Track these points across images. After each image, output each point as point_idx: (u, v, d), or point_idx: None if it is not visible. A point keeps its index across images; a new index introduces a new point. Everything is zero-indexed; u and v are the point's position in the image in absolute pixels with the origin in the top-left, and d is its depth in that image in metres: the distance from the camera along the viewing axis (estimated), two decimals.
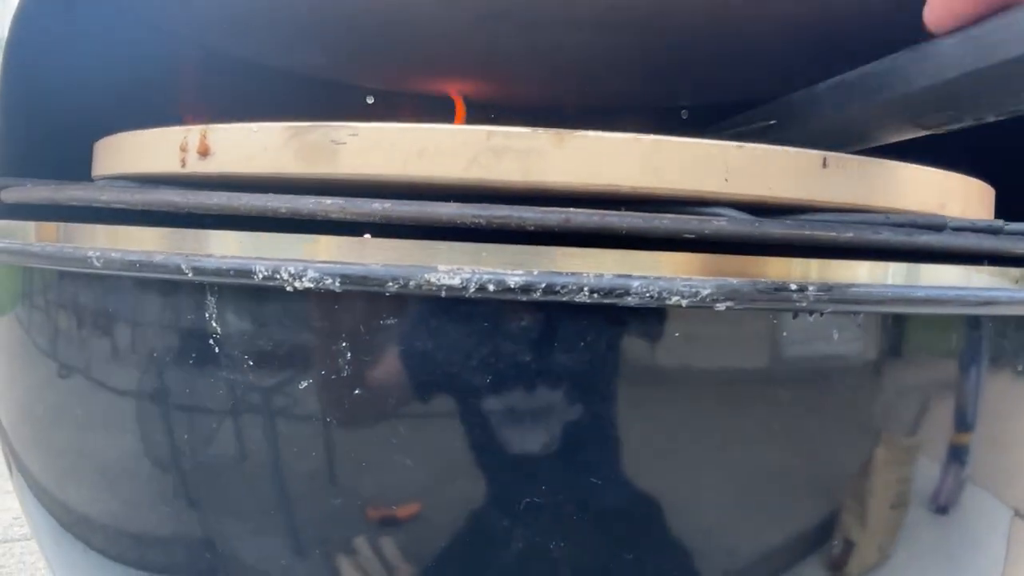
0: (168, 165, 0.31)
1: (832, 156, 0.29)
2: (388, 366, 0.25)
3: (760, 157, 0.27)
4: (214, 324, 0.27)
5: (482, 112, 0.84)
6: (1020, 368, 0.33)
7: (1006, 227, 0.29)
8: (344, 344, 0.25)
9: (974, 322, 0.30)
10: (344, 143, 0.27)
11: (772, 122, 0.52)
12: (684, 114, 0.85)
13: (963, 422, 0.32)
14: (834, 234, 0.26)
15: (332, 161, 0.28)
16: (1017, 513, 0.39)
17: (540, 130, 0.27)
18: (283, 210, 0.26)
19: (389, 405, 0.26)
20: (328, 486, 0.27)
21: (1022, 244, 0.30)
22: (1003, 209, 0.38)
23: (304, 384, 0.26)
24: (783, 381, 0.27)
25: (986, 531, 0.38)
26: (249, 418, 0.27)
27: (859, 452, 0.30)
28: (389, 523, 0.27)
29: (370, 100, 0.83)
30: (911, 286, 0.26)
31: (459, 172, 0.27)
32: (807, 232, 0.26)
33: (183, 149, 0.31)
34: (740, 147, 0.27)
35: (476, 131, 0.27)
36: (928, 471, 0.33)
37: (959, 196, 0.34)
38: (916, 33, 0.32)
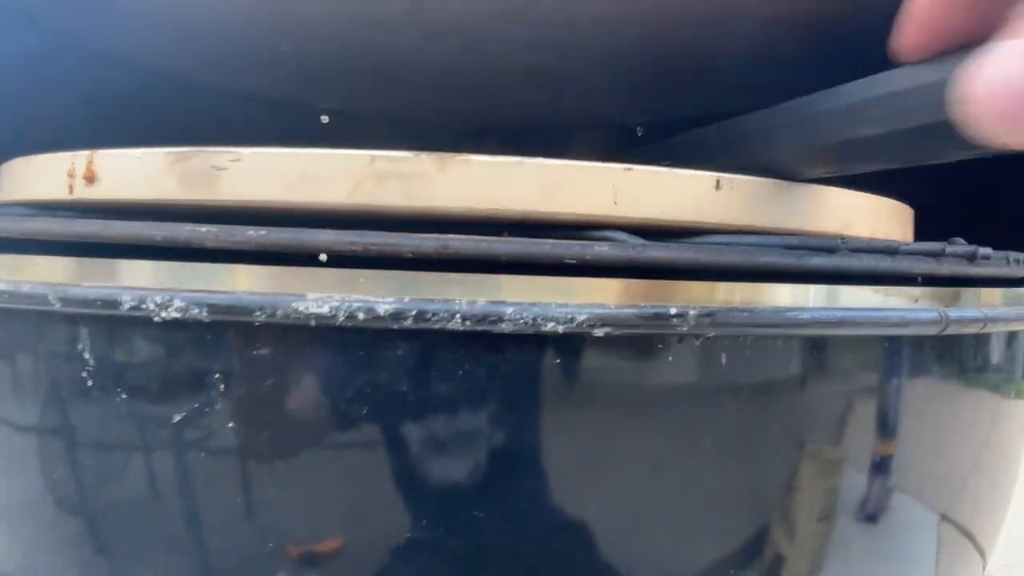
0: (57, 192, 0.30)
1: (726, 178, 0.28)
2: (262, 398, 0.24)
3: (650, 180, 0.27)
4: (87, 356, 0.26)
5: (436, 132, 0.84)
6: (934, 379, 0.33)
7: (902, 247, 0.29)
8: (217, 376, 0.24)
9: (877, 340, 0.30)
10: (225, 168, 0.27)
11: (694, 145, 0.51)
12: (639, 131, 0.85)
13: (881, 434, 0.32)
14: (719, 257, 0.26)
15: (213, 187, 0.27)
16: (944, 517, 0.39)
17: (423, 154, 0.26)
18: (159, 238, 0.26)
19: (263, 438, 0.25)
20: (203, 519, 0.26)
21: (920, 264, 0.30)
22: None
23: (178, 417, 0.25)
24: (676, 404, 0.26)
25: (916, 536, 0.38)
26: (127, 453, 0.26)
27: (773, 470, 0.30)
28: (267, 557, 0.26)
29: (325, 119, 0.83)
30: (796, 308, 0.26)
31: (342, 198, 0.26)
32: (692, 255, 0.25)
33: (71, 175, 0.30)
34: (629, 169, 0.27)
35: (358, 156, 0.26)
36: (852, 483, 0.32)
37: (867, 216, 0.34)
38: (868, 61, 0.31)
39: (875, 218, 0.34)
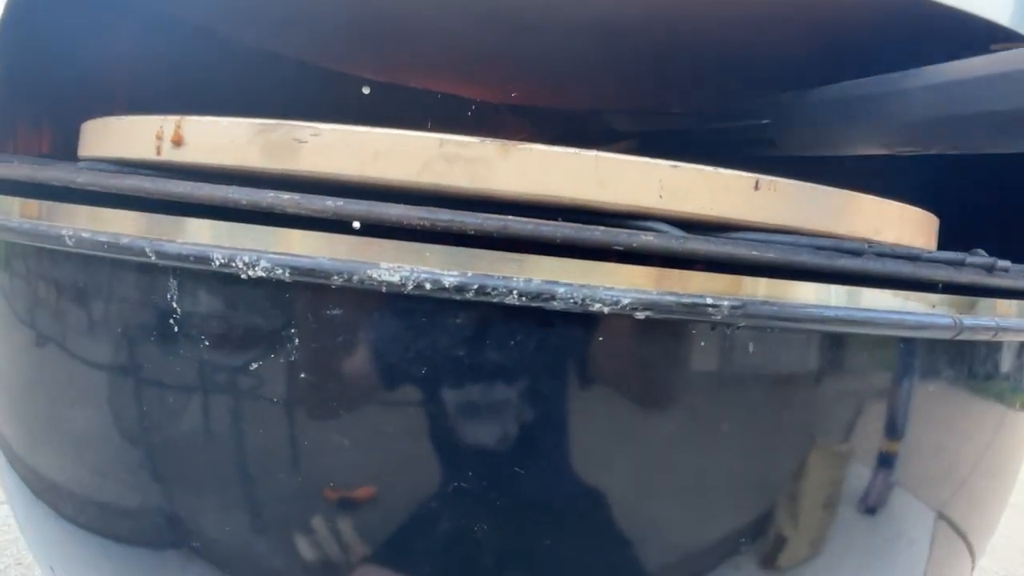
0: (145, 152, 0.33)
1: (765, 179, 0.30)
2: (332, 353, 0.27)
3: (693, 176, 0.29)
4: (175, 305, 0.28)
5: (481, 111, 0.87)
6: (945, 383, 0.35)
7: (924, 255, 0.31)
8: (293, 331, 0.27)
9: (893, 341, 0.32)
10: (306, 142, 0.29)
11: (766, 121, 0.54)
12: (674, 116, 0.87)
13: (888, 430, 0.34)
14: (756, 253, 0.28)
15: (294, 158, 0.29)
16: (940, 515, 0.41)
17: (488, 141, 0.28)
18: (243, 202, 0.28)
19: (331, 389, 0.28)
20: (271, 461, 0.29)
21: (940, 272, 0.32)
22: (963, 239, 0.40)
23: (255, 365, 0.28)
24: (705, 388, 0.29)
25: (911, 531, 0.40)
26: (203, 394, 0.29)
27: (784, 455, 0.32)
28: (326, 498, 0.29)
29: (366, 90, 0.85)
30: (820, 306, 0.28)
31: (412, 176, 0.28)
32: (729, 250, 0.28)
33: (159, 138, 0.32)
34: (675, 167, 0.29)
35: (428, 139, 0.28)
36: (857, 475, 0.35)
37: (894, 223, 0.35)
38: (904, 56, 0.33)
39: (901, 225, 0.36)
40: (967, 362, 0.36)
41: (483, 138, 0.28)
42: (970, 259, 0.33)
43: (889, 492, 0.37)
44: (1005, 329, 0.32)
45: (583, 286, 0.26)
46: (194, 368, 0.29)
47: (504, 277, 0.25)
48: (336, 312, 0.27)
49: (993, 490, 0.45)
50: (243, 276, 0.26)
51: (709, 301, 0.26)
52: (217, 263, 0.27)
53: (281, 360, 0.27)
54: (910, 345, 0.31)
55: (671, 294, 0.26)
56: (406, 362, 0.27)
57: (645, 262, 0.28)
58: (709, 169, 0.30)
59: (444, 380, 0.27)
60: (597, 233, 0.27)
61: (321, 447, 0.28)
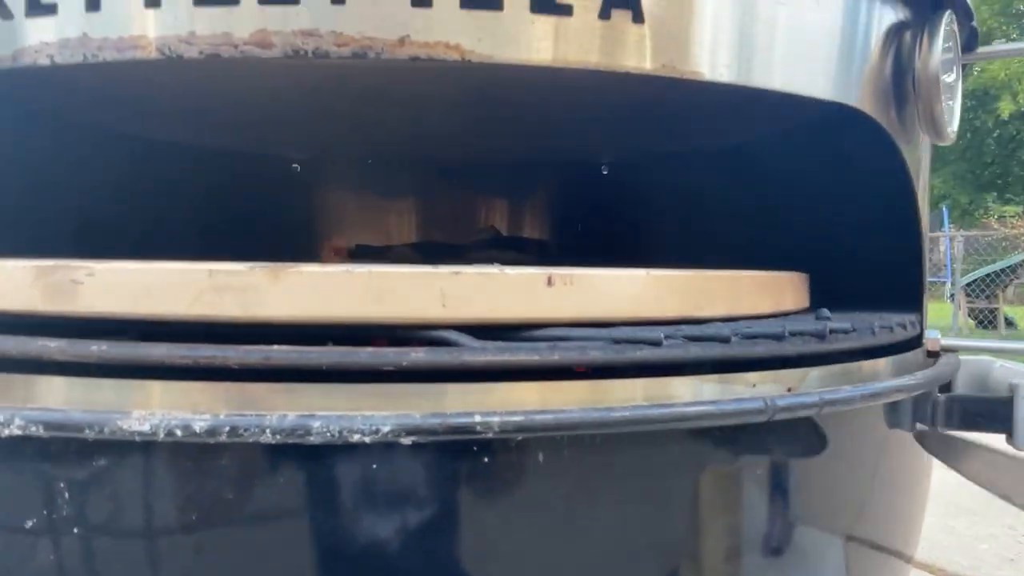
0: None
1: (559, 273, 0.30)
2: (103, 508, 0.26)
3: (477, 281, 0.28)
4: None
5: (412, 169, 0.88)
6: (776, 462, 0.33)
7: (739, 331, 0.30)
8: (62, 486, 0.26)
9: (708, 433, 0.30)
10: (82, 283, 0.29)
11: None
12: (604, 170, 0.88)
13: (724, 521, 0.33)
14: (537, 357, 0.27)
15: (73, 299, 0.29)
16: (849, 537, 0.38)
17: (257, 267, 0.28)
18: (13, 352, 0.28)
19: (105, 544, 0.26)
20: None
21: (758, 348, 0.31)
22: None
23: (30, 523, 0.27)
24: (496, 505, 0.28)
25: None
26: None
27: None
28: None
29: (296, 168, 0.86)
30: (602, 408, 0.27)
31: (183, 309, 0.28)
32: (509, 358, 0.27)
33: None
34: (456, 273, 0.28)
35: (197, 270, 0.28)
36: None
37: (720, 294, 0.34)
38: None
39: (733, 294, 0.35)
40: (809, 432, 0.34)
41: (252, 265, 0.28)
42: (793, 326, 0.32)
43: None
44: (833, 402, 0.31)
45: (340, 416, 0.25)
46: None
47: (257, 415, 0.25)
48: (100, 463, 0.26)
49: (899, 499, 0.43)
50: (2, 435, 0.26)
51: (477, 419, 0.25)
52: None
53: (54, 516, 0.26)
54: (726, 433, 0.30)
55: (436, 415, 0.25)
56: (177, 509, 0.26)
57: (429, 379, 0.27)
58: (494, 270, 0.29)
59: (216, 525, 0.26)
60: (363, 356, 0.26)
61: None
